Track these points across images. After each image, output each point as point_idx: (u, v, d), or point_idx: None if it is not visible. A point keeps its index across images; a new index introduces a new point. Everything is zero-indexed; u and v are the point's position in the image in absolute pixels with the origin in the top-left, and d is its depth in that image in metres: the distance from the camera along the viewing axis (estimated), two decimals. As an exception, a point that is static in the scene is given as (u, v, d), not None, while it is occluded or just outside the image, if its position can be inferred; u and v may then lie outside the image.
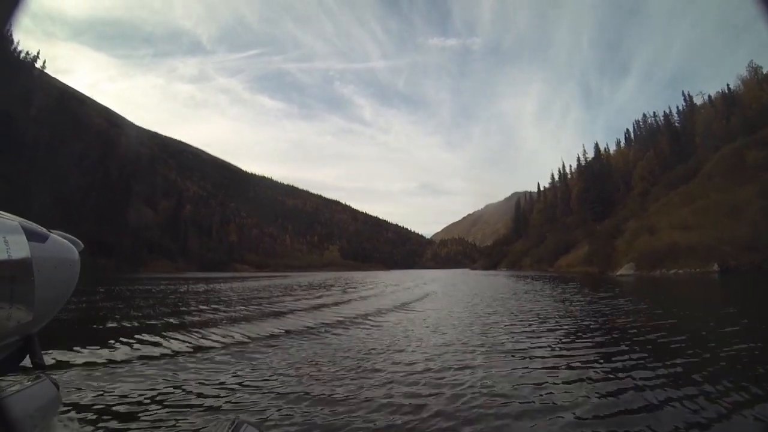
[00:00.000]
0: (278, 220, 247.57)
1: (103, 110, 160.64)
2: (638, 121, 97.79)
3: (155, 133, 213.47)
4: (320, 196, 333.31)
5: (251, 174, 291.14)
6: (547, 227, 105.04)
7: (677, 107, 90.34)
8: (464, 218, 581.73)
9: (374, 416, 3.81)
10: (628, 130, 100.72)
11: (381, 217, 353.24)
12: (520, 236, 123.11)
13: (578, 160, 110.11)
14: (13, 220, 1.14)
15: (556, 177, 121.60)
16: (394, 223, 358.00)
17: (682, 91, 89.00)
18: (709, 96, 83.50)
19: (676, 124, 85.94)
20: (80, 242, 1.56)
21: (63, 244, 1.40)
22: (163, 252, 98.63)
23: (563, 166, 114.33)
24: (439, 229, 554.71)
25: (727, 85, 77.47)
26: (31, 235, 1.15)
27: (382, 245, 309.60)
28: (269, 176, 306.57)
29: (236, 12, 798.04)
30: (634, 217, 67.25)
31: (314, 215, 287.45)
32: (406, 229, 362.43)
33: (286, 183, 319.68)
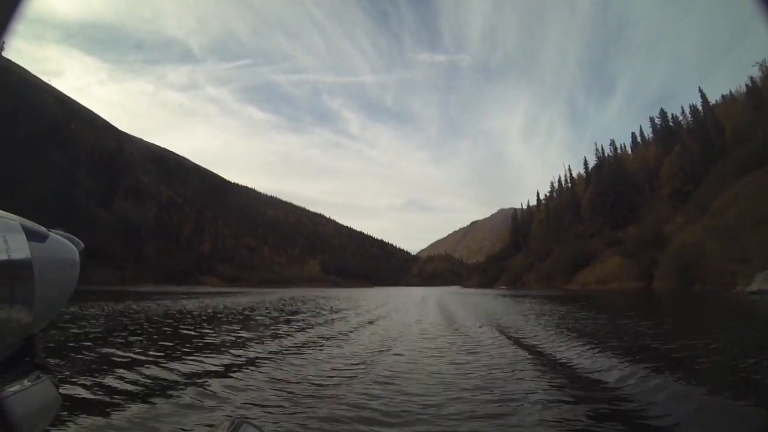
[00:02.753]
0: (258, 231, 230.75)
1: (67, 100, 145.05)
2: (653, 118, 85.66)
3: (136, 137, 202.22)
4: (303, 209, 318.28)
5: (234, 183, 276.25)
6: (553, 239, 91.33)
7: (690, 106, 79.36)
8: (450, 235, 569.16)
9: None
10: (634, 133, 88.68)
11: (366, 233, 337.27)
12: (519, 250, 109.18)
13: (585, 164, 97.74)
14: (12, 219, 1.10)
15: (558, 184, 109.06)
16: (380, 238, 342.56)
17: (699, 88, 77.86)
18: (730, 91, 75.81)
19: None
20: (80, 242, 1.49)
21: (63, 243, 1.36)
22: (108, 258, 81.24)
23: (569, 171, 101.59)
24: (424, 246, 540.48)
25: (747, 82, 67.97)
26: (30, 235, 1.12)
27: (366, 261, 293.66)
28: (252, 187, 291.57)
29: (227, 24, 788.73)
30: (672, 221, 53.86)
31: (296, 227, 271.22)
32: (392, 245, 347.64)
33: (269, 194, 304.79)
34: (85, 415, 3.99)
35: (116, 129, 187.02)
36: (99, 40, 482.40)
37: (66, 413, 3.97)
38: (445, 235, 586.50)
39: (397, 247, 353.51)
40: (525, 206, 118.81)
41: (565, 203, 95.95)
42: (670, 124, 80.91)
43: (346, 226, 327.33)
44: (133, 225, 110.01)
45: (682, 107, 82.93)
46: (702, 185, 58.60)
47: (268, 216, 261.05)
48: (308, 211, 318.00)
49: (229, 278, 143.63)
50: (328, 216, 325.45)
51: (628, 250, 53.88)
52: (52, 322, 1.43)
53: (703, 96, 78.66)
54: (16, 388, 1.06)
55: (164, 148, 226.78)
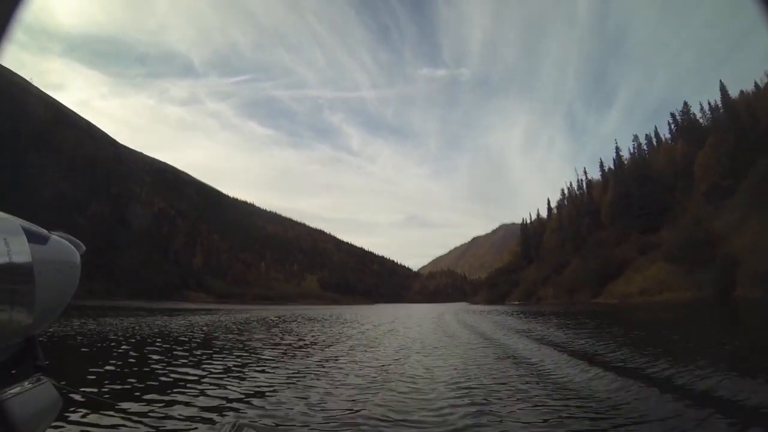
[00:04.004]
0: (256, 246, 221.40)
1: (52, 103, 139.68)
2: (674, 113, 76.86)
3: (137, 151, 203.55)
4: (303, 224, 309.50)
5: (233, 198, 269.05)
6: (570, 248, 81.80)
7: (710, 102, 71.17)
8: (451, 251, 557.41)
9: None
10: (649, 134, 79.69)
11: (366, 248, 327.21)
12: (530, 262, 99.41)
13: (601, 166, 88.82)
14: (13, 221, 1.11)
15: (569, 191, 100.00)
16: (380, 254, 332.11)
17: (720, 81, 69.91)
18: (756, 83, 67.71)
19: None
20: (82, 244, 1.50)
21: (64, 245, 1.37)
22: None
23: (584, 174, 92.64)
24: (425, 262, 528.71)
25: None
26: (31, 237, 1.13)
27: (367, 277, 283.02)
28: (252, 202, 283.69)
29: (229, 38, 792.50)
30: (718, 219, 44.64)
31: (296, 243, 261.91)
32: (393, 261, 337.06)
33: (269, 210, 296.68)
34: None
35: (116, 141, 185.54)
36: (102, 53, 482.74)
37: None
38: (446, 251, 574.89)
39: (398, 263, 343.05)
40: (533, 216, 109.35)
41: (582, 210, 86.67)
42: (698, 119, 72.39)
43: (347, 242, 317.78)
44: (110, 233, 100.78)
45: (701, 104, 74.75)
46: (749, 179, 49.44)
47: (267, 231, 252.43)
48: (308, 226, 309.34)
49: (220, 294, 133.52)
50: (327, 232, 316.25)
51: (674, 255, 44.45)
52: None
53: (723, 90, 70.67)
54: (17, 390, 1.04)
55: (163, 162, 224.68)
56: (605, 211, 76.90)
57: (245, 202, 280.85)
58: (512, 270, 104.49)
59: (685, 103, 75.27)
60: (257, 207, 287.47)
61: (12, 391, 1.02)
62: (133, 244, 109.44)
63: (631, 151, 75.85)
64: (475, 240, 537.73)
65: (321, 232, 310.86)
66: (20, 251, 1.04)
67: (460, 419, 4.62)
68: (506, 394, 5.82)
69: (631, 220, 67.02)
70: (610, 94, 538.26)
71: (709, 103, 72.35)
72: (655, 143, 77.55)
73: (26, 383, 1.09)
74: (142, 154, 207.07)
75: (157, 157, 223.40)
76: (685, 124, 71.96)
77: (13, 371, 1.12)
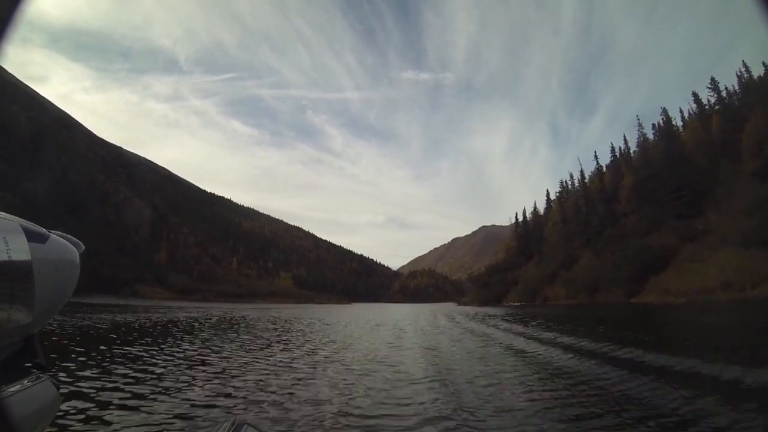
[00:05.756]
0: (229, 241, 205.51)
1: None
2: (695, 93, 66.82)
3: (116, 145, 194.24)
4: (282, 221, 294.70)
5: (210, 193, 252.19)
6: (580, 242, 71.21)
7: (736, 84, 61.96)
8: (431, 252, 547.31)
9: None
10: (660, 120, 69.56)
11: (346, 247, 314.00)
12: (528, 258, 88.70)
13: (613, 150, 78.75)
14: (13, 220, 1.11)
15: (571, 181, 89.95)
16: (360, 253, 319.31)
17: (742, 61, 60.78)
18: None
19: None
20: (81, 243, 1.48)
21: (63, 245, 1.35)
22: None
23: (595, 159, 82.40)
24: (405, 262, 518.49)
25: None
26: (31, 236, 1.13)
27: (345, 275, 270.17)
28: (229, 198, 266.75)
29: (215, 36, 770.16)
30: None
31: (272, 240, 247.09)
32: (372, 260, 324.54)
33: (247, 206, 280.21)
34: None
35: (92, 134, 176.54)
36: (86, 46, 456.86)
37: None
38: (425, 251, 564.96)
39: (378, 262, 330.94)
40: (547, 198, 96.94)
41: (593, 198, 76.19)
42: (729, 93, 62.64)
43: (326, 240, 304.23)
44: (47, 216, 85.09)
45: (725, 86, 65.28)
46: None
47: (243, 227, 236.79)
48: (286, 223, 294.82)
49: (181, 290, 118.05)
50: (306, 230, 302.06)
51: (751, 241, 33.71)
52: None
53: (746, 67, 61.75)
54: (16, 387, 1.04)
55: (141, 156, 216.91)
56: (624, 197, 66.46)
57: (222, 198, 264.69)
58: (507, 268, 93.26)
59: (713, 79, 65.56)
60: (234, 203, 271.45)
61: (11, 389, 1.01)
62: (85, 235, 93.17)
63: (660, 122, 65.02)
64: (455, 241, 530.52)
65: (299, 230, 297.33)
66: (20, 250, 1.03)
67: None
68: None
69: (661, 206, 56.71)
70: (592, 102, 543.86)
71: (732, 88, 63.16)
72: (680, 121, 67.85)
73: (26, 381, 1.09)
74: (121, 148, 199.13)
75: (137, 152, 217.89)
76: (719, 101, 61.92)
77: (12, 369, 1.11)
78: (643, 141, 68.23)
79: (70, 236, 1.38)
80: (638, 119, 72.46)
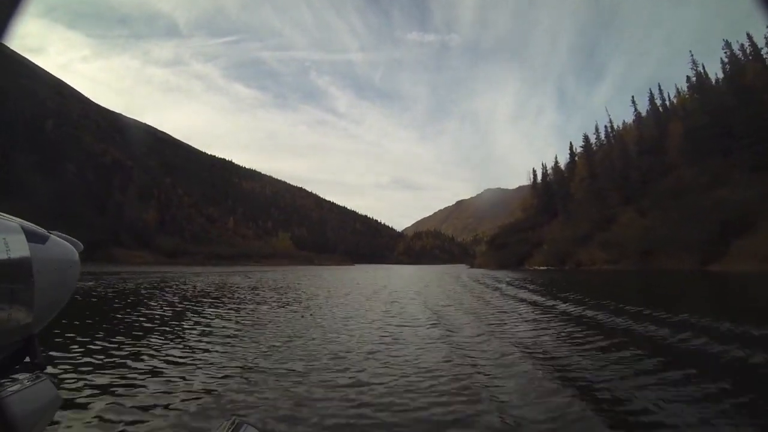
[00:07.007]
0: (228, 201, 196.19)
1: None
2: (749, 35, 53.76)
3: (115, 111, 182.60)
4: (284, 182, 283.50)
5: (210, 155, 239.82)
6: (617, 199, 61.04)
7: None
8: (435, 213, 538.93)
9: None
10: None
11: (350, 208, 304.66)
12: (553, 216, 78.65)
13: (650, 96, 66.84)
14: (13, 220, 1.11)
15: (604, 128, 78.48)
16: (363, 214, 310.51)
17: None
18: None
19: None
20: (80, 243, 1.49)
21: (63, 245, 1.35)
22: None
23: (633, 105, 70.55)
24: (409, 224, 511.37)
25: None
26: (31, 236, 1.13)
27: (348, 236, 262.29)
28: (230, 159, 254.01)
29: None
30: None
31: (272, 200, 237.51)
32: (377, 221, 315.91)
33: (249, 167, 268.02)
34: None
35: (88, 100, 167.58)
36: (83, 14, 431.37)
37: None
38: (430, 213, 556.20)
39: (382, 223, 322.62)
40: (571, 150, 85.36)
41: (630, 150, 65.03)
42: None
43: (329, 201, 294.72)
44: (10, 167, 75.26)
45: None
46: None
47: (242, 187, 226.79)
48: (288, 184, 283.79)
49: (169, 252, 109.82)
50: (309, 190, 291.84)
51: None
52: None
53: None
54: (15, 387, 1.05)
55: (140, 122, 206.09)
56: (674, 147, 55.43)
57: (223, 159, 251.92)
58: (528, 227, 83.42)
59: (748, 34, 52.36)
60: (235, 164, 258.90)
61: (11, 389, 1.02)
62: (45, 192, 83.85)
63: (724, 60, 52.82)
64: (460, 203, 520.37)
65: (302, 190, 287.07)
66: (20, 250, 1.04)
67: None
68: None
69: (724, 156, 45.90)
70: (601, 67, 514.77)
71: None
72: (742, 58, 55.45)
73: (25, 381, 1.09)
74: (119, 114, 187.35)
75: (139, 119, 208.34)
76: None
77: (12, 369, 1.12)
78: (702, 78, 56.01)
79: (69, 237, 1.38)
80: (691, 56, 59.94)
